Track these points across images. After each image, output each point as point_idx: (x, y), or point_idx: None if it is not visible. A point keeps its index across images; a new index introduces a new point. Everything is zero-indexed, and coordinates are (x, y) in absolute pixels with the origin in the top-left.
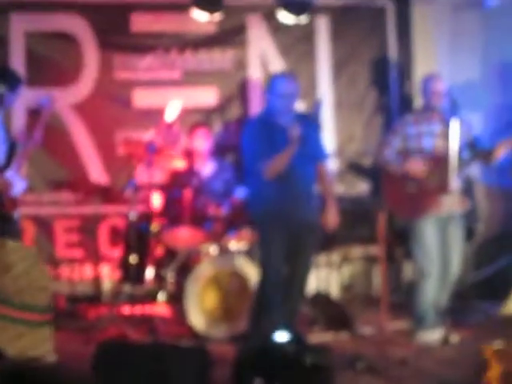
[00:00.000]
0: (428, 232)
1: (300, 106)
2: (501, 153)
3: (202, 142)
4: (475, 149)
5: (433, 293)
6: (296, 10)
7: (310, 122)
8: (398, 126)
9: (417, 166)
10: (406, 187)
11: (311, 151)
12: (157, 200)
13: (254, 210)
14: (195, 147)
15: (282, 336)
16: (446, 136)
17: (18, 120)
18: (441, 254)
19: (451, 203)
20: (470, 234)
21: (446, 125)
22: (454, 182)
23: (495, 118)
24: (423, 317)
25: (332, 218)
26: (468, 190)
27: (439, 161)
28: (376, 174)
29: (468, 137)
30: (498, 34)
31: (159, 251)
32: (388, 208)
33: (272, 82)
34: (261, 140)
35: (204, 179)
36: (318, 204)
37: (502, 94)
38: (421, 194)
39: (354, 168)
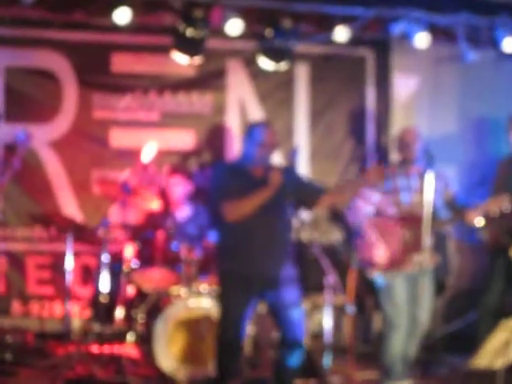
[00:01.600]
0: (398, 286)
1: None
2: (474, 218)
3: (180, 187)
4: (454, 208)
5: (401, 345)
6: (276, 56)
7: (291, 174)
8: None
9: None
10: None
11: (287, 205)
12: (130, 240)
13: (217, 260)
14: (172, 191)
15: None
16: (423, 191)
17: None
18: (410, 307)
19: (422, 260)
20: (440, 287)
21: (424, 179)
22: (427, 240)
23: (470, 173)
24: (391, 368)
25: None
26: (440, 243)
27: (414, 218)
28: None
29: (446, 193)
30: (475, 88)
31: (130, 291)
32: (359, 264)
33: (252, 129)
34: (229, 183)
35: (179, 222)
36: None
37: (477, 148)
38: (394, 252)
39: (327, 216)
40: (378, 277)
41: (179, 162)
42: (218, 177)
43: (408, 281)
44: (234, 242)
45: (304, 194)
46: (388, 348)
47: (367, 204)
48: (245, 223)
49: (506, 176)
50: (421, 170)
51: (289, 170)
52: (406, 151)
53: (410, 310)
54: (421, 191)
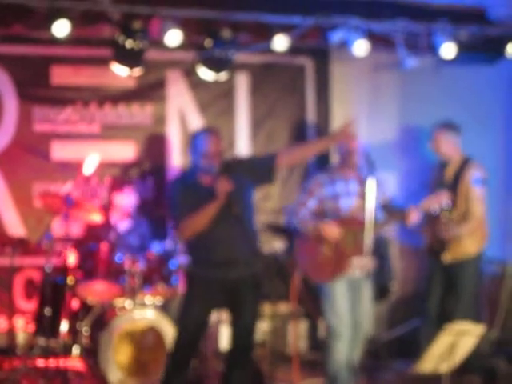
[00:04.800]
0: (339, 293)
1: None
2: (414, 217)
3: (128, 198)
4: (390, 210)
5: (345, 353)
6: (216, 66)
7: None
8: (313, 186)
9: (331, 230)
10: (319, 250)
11: (246, 205)
12: (73, 253)
13: (187, 264)
14: (121, 203)
15: None
16: (363, 196)
17: None
18: (352, 313)
19: (363, 265)
20: (384, 292)
21: (364, 184)
22: (369, 245)
23: (409, 180)
24: (336, 376)
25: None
26: (383, 248)
27: (355, 222)
28: (291, 232)
29: (383, 197)
30: (415, 95)
31: (74, 304)
32: (301, 271)
33: (194, 139)
34: (184, 200)
35: (121, 234)
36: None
37: (416, 155)
38: (335, 257)
39: (270, 226)
40: (319, 284)
41: (121, 174)
42: (174, 194)
43: (349, 287)
44: (200, 249)
45: (259, 172)
46: (332, 356)
47: (303, 208)
48: (207, 231)
49: (437, 182)
50: (360, 175)
51: (235, 163)
52: (345, 154)
53: (352, 317)
54: (360, 196)
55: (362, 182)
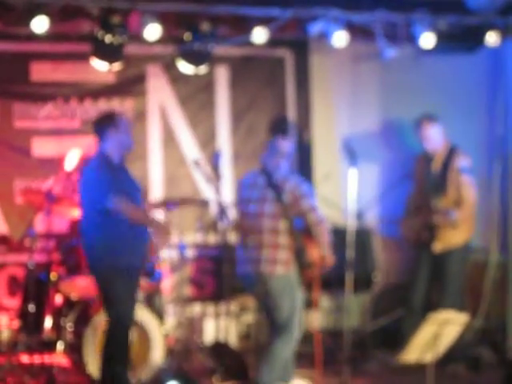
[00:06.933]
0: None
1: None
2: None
3: None
4: None
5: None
6: (195, 60)
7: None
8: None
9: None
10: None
11: None
12: (55, 248)
13: (108, 254)
14: None
15: None
16: None
17: None
18: None
19: None
20: (368, 283)
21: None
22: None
23: (391, 171)
24: None
25: None
26: (366, 239)
27: None
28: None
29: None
30: (394, 86)
31: (58, 300)
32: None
33: (126, 123)
34: (114, 181)
35: None
36: None
37: (397, 146)
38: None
39: None
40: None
41: None
42: (102, 176)
43: None
44: (130, 238)
45: None
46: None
47: None
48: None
49: (423, 171)
50: None
51: None
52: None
53: None
54: None
55: None
